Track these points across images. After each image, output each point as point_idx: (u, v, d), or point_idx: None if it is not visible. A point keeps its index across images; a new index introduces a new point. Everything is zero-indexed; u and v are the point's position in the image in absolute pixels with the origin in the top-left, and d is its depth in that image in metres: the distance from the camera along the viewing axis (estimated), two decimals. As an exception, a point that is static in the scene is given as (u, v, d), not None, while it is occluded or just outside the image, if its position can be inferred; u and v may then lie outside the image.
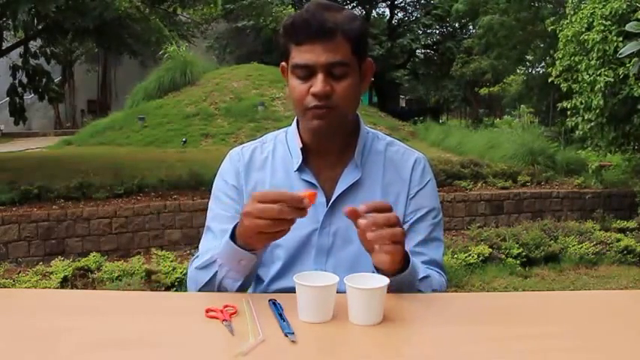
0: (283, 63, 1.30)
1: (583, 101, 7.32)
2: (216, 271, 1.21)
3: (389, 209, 1.10)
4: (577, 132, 7.83)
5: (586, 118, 7.33)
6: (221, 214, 1.35)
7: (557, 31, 8.19)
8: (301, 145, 1.33)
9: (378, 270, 1.15)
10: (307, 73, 1.22)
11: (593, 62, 7.04)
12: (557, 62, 7.87)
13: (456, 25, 21.61)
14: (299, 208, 1.06)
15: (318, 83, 1.21)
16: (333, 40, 1.21)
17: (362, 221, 1.07)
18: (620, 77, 6.84)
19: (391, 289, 1.09)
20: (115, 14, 7.25)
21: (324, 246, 1.30)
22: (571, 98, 7.69)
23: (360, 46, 1.25)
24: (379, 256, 1.11)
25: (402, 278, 1.15)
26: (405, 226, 1.32)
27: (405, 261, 1.15)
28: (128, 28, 7.93)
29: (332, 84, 1.22)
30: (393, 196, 1.33)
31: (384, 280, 1.04)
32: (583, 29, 7.28)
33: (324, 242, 1.30)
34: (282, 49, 1.27)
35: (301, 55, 1.22)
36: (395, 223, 1.08)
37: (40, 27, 8.43)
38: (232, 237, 1.16)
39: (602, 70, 6.93)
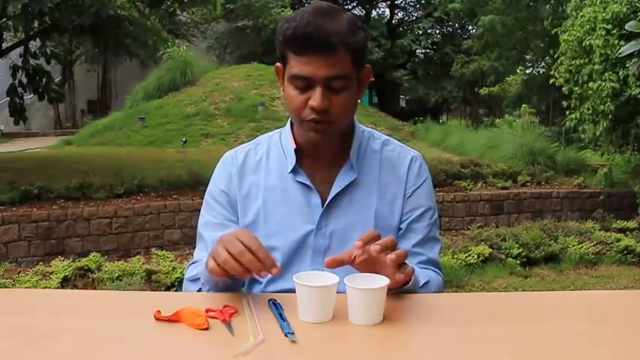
0: (279, 64, 1.27)
1: (590, 107, 7.32)
2: (200, 287, 1.26)
3: (379, 236, 1.11)
4: (585, 136, 7.85)
5: (600, 124, 7.33)
6: (210, 221, 1.36)
7: (559, 32, 8.20)
8: (295, 147, 1.32)
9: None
10: (305, 84, 1.20)
11: (596, 67, 7.04)
12: (561, 67, 7.88)
13: (456, 25, 21.59)
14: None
15: (317, 98, 1.19)
16: (334, 54, 1.17)
17: (375, 247, 1.06)
18: (621, 78, 6.85)
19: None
20: (111, 12, 7.22)
21: (321, 247, 1.30)
22: (572, 99, 7.69)
23: (360, 56, 1.22)
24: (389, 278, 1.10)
25: (404, 289, 1.16)
26: (403, 226, 1.33)
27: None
28: (126, 29, 7.89)
29: (330, 97, 1.20)
30: (389, 196, 1.33)
31: (384, 280, 1.04)
32: (586, 34, 7.28)
33: (321, 243, 1.30)
34: (280, 54, 1.24)
35: (300, 67, 1.19)
36: (396, 245, 1.11)
37: (38, 25, 8.41)
38: None
39: (607, 74, 6.93)
